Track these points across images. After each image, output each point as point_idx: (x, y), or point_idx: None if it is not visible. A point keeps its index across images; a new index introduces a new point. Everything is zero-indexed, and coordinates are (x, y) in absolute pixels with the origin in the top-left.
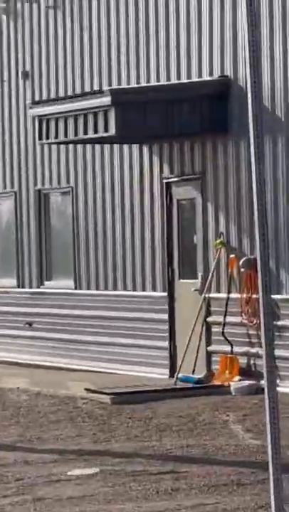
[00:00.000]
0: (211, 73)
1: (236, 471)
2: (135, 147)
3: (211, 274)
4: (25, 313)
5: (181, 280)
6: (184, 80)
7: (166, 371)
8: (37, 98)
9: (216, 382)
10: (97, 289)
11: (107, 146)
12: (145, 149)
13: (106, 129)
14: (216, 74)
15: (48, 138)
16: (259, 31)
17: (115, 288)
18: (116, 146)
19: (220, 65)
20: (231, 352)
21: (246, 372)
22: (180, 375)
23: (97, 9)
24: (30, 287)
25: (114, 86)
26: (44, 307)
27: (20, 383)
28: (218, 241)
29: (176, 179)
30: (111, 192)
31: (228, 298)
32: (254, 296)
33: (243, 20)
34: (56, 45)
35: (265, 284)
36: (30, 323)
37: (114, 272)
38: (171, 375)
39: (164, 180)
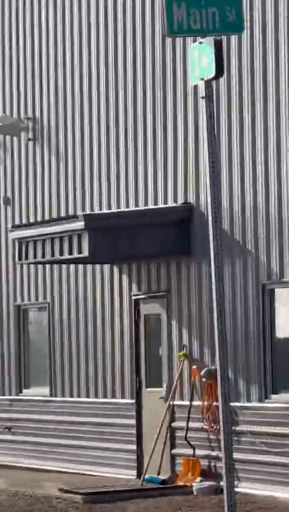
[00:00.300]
0: (175, 200)
1: None
2: (106, 267)
3: (175, 383)
4: (5, 419)
5: (148, 389)
6: (151, 206)
7: (134, 472)
8: (17, 222)
9: (180, 483)
10: (71, 396)
11: (81, 266)
12: (115, 269)
13: (80, 251)
14: (180, 200)
15: (26, 258)
16: (219, 160)
17: (88, 395)
18: (89, 266)
19: (183, 193)
20: (193, 455)
21: (207, 474)
22: (146, 476)
23: (72, 142)
24: (10, 394)
25: (88, 211)
26: (22, 413)
27: None
28: (181, 353)
29: (143, 296)
30: (84, 307)
31: (190, 405)
32: (214, 403)
33: (205, 153)
34: (35, 174)
35: (224, 395)
36: (9, 428)
37: (86, 381)
38: (138, 476)
39: (133, 297)
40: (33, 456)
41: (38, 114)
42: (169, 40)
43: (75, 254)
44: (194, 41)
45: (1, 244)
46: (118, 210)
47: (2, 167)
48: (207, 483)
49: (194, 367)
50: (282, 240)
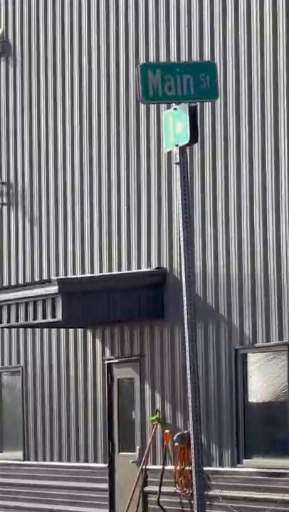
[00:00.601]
0: (148, 264)
1: None
2: (80, 331)
3: (147, 447)
4: None
5: (121, 453)
6: (124, 270)
7: None
8: None
9: None
10: (44, 460)
11: (54, 330)
12: (89, 333)
13: (53, 316)
14: (154, 265)
15: (0, 322)
16: (192, 225)
17: (61, 459)
18: (62, 330)
19: (157, 258)
20: None
21: None
22: None
23: (46, 207)
24: None
25: (61, 276)
26: None
27: None
28: (154, 417)
29: (116, 360)
30: (57, 371)
31: (163, 469)
32: (187, 468)
33: (178, 218)
34: (9, 238)
35: (197, 463)
36: None
37: (59, 445)
38: None
39: (106, 361)
40: None
41: (12, 178)
42: (143, 106)
43: (49, 319)
44: (168, 107)
45: None
46: (92, 274)
47: None
48: None
49: (167, 431)
50: (254, 304)
